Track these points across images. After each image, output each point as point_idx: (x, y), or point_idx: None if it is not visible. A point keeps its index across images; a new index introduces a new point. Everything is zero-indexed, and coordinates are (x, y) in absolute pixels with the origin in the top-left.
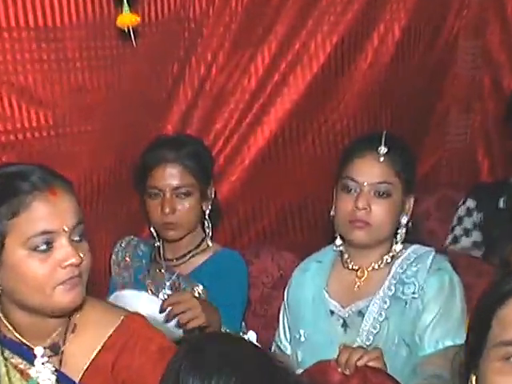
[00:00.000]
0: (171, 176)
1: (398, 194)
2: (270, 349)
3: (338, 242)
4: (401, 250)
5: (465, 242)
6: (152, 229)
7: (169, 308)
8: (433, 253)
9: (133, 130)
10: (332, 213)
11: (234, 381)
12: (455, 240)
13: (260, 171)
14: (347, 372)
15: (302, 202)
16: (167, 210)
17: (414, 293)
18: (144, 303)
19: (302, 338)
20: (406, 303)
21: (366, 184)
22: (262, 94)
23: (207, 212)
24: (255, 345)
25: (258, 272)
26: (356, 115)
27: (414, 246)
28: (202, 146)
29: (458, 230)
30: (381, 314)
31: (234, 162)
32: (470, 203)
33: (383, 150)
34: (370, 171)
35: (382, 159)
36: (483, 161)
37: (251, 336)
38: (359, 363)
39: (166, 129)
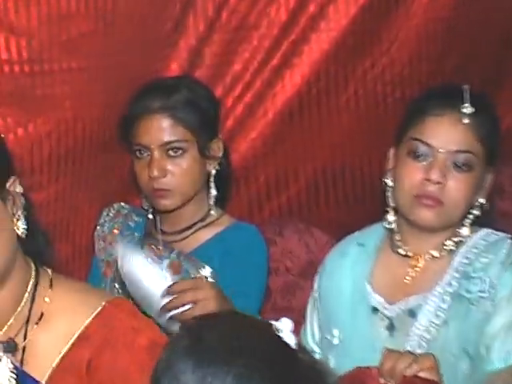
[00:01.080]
0: (158, 129)
1: (480, 168)
2: None
3: (391, 217)
4: (468, 236)
5: None
6: (143, 197)
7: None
8: (509, 240)
9: (128, 70)
10: (388, 181)
11: (232, 377)
12: None
13: (287, 127)
14: (391, 383)
15: (338, 168)
16: (155, 173)
17: (482, 291)
18: (150, 274)
19: (336, 341)
20: (471, 304)
21: (442, 151)
22: (294, 28)
23: (212, 173)
24: (275, 334)
25: (280, 254)
26: (412, 60)
27: (485, 231)
28: (201, 91)
29: None
30: (438, 315)
31: (254, 113)
32: None
33: (469, 109)
34: (448, 135)
35: (466, 121)
36: None
37: (283, 324)
38: (407, 373)
39: (170, 69)
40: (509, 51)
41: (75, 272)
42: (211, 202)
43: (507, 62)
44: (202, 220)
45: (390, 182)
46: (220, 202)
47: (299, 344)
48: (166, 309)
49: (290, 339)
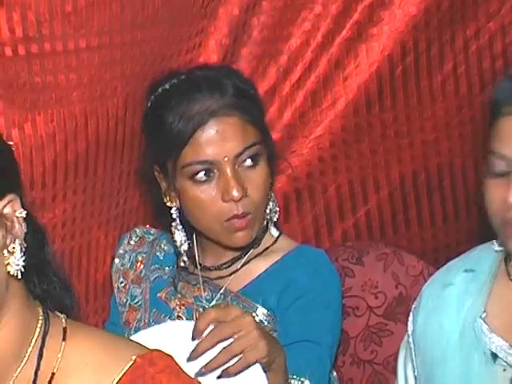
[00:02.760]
0: (231, 135)
1: None
2: None
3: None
4: None
5: None
6: (177, 228)
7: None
8: None
9: (152, 51)
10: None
11: None
12: None
13: (364, 120)
14: None
15: (434, 174)
16: (236, 193)
17: None
18: (166, 334)
19: None
20: None
21: None
22: None
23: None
24: None
25: (360, 288)
26: None
27: None
28: (248, 81)
29: None
30: None
31: (320, 103)
32: None
33: None
34: None
35: None
36: None
37: None
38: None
39: (207, 47)
40: None
41: (88, 319)
42: (270, 221)
43: None
44: (255, 246)
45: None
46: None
47: None
48: (203, 373)
49: None
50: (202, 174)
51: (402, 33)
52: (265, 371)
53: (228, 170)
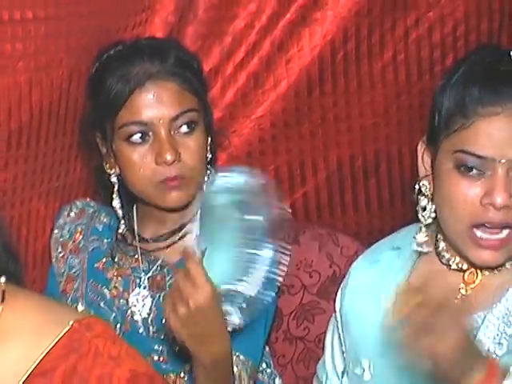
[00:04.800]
0: (167, 99)
1: None
2: None
3: (422, 237)
4: None
5: None
6: (115, 195)
7: None
8: None
9: (99, 24)
10: (425, 189)
11: None
12: None
13: (304, 103)
14: None
15: (371, 159)
16: (169, 157)
17: None
18: None
19: (367, 376)
20: None
21: (503, 161)
22: None
23: (209, 158)
24: None
25: (295, 267)
26: (469, 16)
27: None
28: (192, 55)
29: None
30: (500, 342)
31: (262, 85)
32: None
33: None
34: (508, 139)
35: None
36: None
37: None
38: None
39: (152, 24)
40: None
41: (26, 288)
42: None
43: None
44: (190, 222)
45: (427, 204)
46: None
47: None
48: None
49: None
50: (137, 136)
51: (345, 18)
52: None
53: (162, 133)
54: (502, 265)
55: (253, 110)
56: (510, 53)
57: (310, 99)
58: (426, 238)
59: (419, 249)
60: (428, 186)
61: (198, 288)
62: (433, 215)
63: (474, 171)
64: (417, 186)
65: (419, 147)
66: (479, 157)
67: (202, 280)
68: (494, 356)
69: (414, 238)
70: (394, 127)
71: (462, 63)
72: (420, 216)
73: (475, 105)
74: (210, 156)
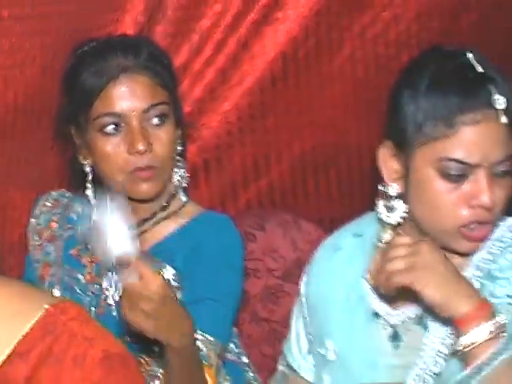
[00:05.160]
0: (139, 92)
1: None
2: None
3: (387, 235)
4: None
5: None
6: (89, 185)
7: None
8: None
9: (72, 23)
10: (391, 189)
11: None
12: None
13: (269, 98)
14: None
15: (331, 150)
16: (141, 147)
17: (510, 296)
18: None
19: (331, 355)
20: (496, 310)
21: (486, 165)
22: None
23: (179, 149)
24: None
25: (261, 252)
26: (421, 15)
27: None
28: (163, 51)
29: None
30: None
31: (228, 80)
32: None
33: (501, 101)
34: (489, 144)
35: (504, 119)
36: None
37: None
38: None
39: (123, 23)
40: None
41: (5, 274)
42: (180, 187)
43: None
44: (163, 208)
45: (391, 191)
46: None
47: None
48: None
49: None
50: (111, 127)
51: (306, 17)
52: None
53: (135, 124)
54: None
55: (220, 104)
56: (465, 53)
57: (273, 94)
58: (391, 237)
59: (383, 246)
60: (398, 188)
61: (149, 282)
62: (404, 215)
63: (459, 177)
64: (384, 189)
65: (380, 152)
66: (464, 163)
67: (150, 273)
68: None
69: (379, 236)
70: (353, 120)
71: (421, 68)
72: (385, 216)
73: (458, 113)
74: (180, 148)
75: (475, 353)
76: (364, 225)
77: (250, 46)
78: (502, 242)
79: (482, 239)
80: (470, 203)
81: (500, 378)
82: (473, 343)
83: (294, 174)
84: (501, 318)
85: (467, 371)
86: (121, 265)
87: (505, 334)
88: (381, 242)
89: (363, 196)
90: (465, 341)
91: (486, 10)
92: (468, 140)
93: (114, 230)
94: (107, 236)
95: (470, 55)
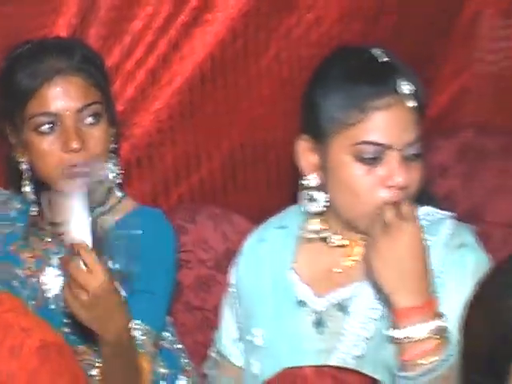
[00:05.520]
0: (73, 92)
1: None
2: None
3: (315, 226)
4: None
5: None
6: (26, 182)
7: None
8: (451, 220)
9: (3, 25)
10: (310, 181)
11: None
12: None
13: (198, 97)
14: None
15: (260, 146)
16: (75, 145)
17: None
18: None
19: (259, 341)
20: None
21: (399, 147)
22: None
23: (111, 147)
24: None
25: (193, 244)
26: (343, 17)
27: (425, 209)
28: (96, 53)
29: None
30: (375, 309)
31: (159, 80)
32: None
33: (408, 86)
34: (400, 126)
35: (411, 103)
36: None
37: None
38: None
39: (56, 25)
40: (452, 2)
41: None
42: (114, 184)
43: (449, 16)
44: (99, 205)
45: (311, 183)
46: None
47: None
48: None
49: None
50: (46, 127)
51: (234, 19)
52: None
53: (69, 124)
54: None
55: (151, 103)
56: (370, 49)
57: (203, 93)
58: (319, 225)
59: (311, 235)
60: (317, 179)
61: (92, 273)
62: (326, 204)
63: (374, 159)
64: (304, 182)
65: (298, 146)
66: (379, 145)
67: (94, 266)
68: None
69: (306, 226)
70: (280, 117)
71: (330, 65)
72: (308, 206)
73: (369, 99)
74: (113, 146)
75: (411, 349)
76: (288, 217)
77: (180, 47)
78: None
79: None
80: (386, 184)
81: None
82: (408, 338)
83: (224, 170)
84: (441, 322)
85: (413, 373)
86: (73, 251)
87: (449, 341)
88: (306, 233)
89: (291, 189)
90: (398, 334)
91: (405, 12)
92: (380, 123)
93: (76, 216)
94: (69, 221)
95: (374, 50)
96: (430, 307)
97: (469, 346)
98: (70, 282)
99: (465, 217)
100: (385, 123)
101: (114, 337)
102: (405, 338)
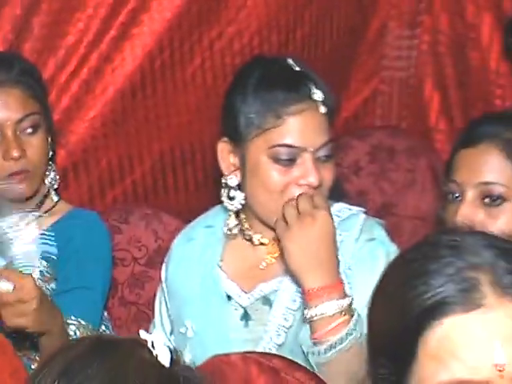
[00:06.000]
0: (12, 104)
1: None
2: None
3: (232, 221)
4: None
5: None
6: None
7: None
8: (362, 215)
9: None
10: (231, 181)
11: None
12: None
13: (129, 105)
14: None
15: (188, 149)
16: (15, 153)
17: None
18: None
19: (190, 333)
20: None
21: (311, 150)
22: None
23: (50, 153)
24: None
25: (126, 243)
26: (262, 30)
27: (338, 206)
28: (33, 66)
29: None
30: (295, 300)
31: (92, 90)
32: None
33: (320, 94)
34: (312, 131)
35: (323, 110)
36: (432, 95)
37: (154, 338)
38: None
39: None
40: (360, 15)
41: None
42: (52, 188)
43: (359, 27)
44: (36, 209)
45: (231, 182)
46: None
47: (176, 357)
48: None
49: (164, 353)
50: None
51: (160, 33)
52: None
53: (9, 134)
54: None
55: (86, 112)
56: (286, 59)
57: (133, 102)
58: (236, 222)
59: (229, 232)
60: (237, 179)
61: (22, 286)
62: (242, 202)
63: (289, 161)
64: (225, 181)
65: (219, 147)
66: (294, 147)
67: (20, 279)
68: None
69: (226, 224)
70: (206, 122)
71: (248, 73)
72: (228, 205)
73: (284, 105)
74: (51, 153)
75: (320, 326)
76: (214, 216)
77: (111, 59)
78: None
79: None
80: (299, 183)
81: (348, 358)
82: (316, 315)
83: (154, 172)
84: (348, 300)
85: (320, 348)
86: None
87: (354, 318)
88: (227, 229)
89: (217, 190)
90: (309, 313)
91: (318, 24)
92: (294, 128)
93: None
94: None
95: (289, 60)
96: (338, 287)
97: (373, 333)
98: (3, 304)
99: (377, 212)
100: (299, 127)
101: (54, 332)
102: (315, 315)
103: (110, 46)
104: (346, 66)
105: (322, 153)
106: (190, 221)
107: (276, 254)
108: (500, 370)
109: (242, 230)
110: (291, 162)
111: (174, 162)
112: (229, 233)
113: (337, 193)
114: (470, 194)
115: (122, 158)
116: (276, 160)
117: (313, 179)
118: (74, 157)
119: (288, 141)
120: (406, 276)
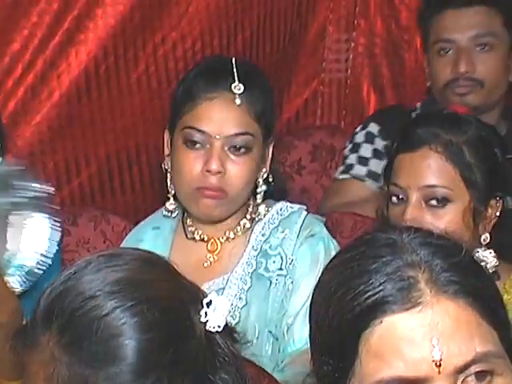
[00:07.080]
0: None
1: (259, 146)
2: None
3: (171, 205)
4: (264, 213)
5: (358, 170)
6: None
7: None
8: (303, 212)
9: None
10: (167, 167)
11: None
12: (346, 170)
13: (75, 109)
14: None
15: (133, 151)
16: None
17: (280, 269)
18: None
19: None
20: (270, 283)
21: (218, 137)
22: (76, 2)
23: None
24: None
25: (75, 245)
26: (204, 35)
27: (280, 204)
28: None
29: (351, 159)
30: (240, 297)
31: (38, 95)
32: (373, 128)
33: (240, 87)
34: (223, 119)
35: (238, 102)
36: (369, 95)
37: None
38: None
39: None
40: (300, 20)
41: None
42: None
43: (299, 32)
44: None
45: (168, 168)
46: None
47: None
48: None
49: (218, 319)
50: None
51: (104, 39)
52: None
53: None
54: (235, 233)
55: (32, 117)
56: (232, 60)
57: (79, 106)
58: (174, 206)
59: (168, 214)
60: (168, 164)
61: None
62: (172, 191)
63: (198, 145)
64: (163, 166)
65: (165, 134)
66: (200, 131)
67: None
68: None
69: (166, 208)
70: (150, 125)
71: (192, 69)
72: (169, 189)
73: (199, 92)
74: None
75: None
76: (161, 217)
77: (56, 65)
78: (272, 223)
79: (213, 196)
80: (203, 169)
81: None
82: None
83: (101, 174)
84: None
85: None
86: None
87: None
88: (165, 210)
89: (163, 190)
90: None
91: (257, 28)
92: (205, 113)
93: None
94: None
95: (233, 58)
96: None
97: (315, 330)
98: None
99: (319, 209)
100: (209, 114)
101: (7, 318)
102: None
103: (55, 52)
104: (287, 69)
105: (232, 143)
106: (137, 221)
107: (216, 252)
108: (438, 366)
109: (184, 227)
110: (201, 147)
111: (120, 163)
112: (167, 214)
113: (280, 191)
114: (415, 197)
115: (69, 161)
116: (187, 144)
117: (214, 166)
118: (21, 160)
119: (197, 124)
120: (346, 275)
